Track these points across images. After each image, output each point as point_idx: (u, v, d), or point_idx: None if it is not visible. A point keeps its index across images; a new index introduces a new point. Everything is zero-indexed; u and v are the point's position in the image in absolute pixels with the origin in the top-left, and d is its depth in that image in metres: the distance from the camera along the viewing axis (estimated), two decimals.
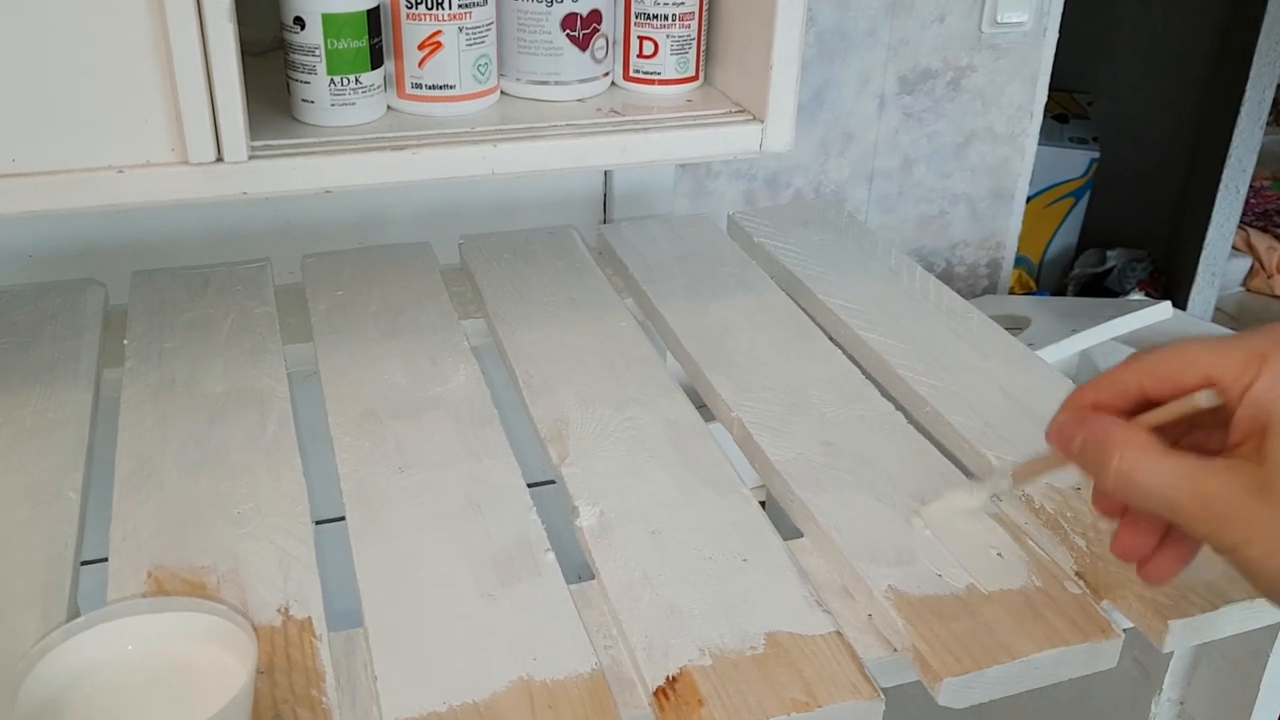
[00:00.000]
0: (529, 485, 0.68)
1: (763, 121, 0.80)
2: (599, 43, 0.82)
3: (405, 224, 1.18)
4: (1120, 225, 2.01)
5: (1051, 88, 2.07)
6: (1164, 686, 0.69)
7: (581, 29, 0.80)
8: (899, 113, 1.50)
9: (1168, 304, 1.37)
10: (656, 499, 0.66)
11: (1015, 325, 1.57)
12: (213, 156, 0.68)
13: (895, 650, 0.57)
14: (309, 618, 0.57)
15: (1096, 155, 1.95)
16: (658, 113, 0.81)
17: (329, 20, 0.72)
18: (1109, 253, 2.00)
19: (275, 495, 0.66)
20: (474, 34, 0.76)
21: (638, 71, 0.84)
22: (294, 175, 0.71)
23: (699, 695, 0.53)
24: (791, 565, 0.61)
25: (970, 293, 1.68)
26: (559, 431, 0.72)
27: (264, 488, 0.66)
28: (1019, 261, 2.00)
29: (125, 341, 0.80)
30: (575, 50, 0.81)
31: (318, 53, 0.73)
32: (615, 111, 0.81)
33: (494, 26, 0.78)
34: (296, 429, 0.72)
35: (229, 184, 0.70)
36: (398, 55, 0.77)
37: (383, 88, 0.77)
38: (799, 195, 1.48)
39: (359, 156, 0.72)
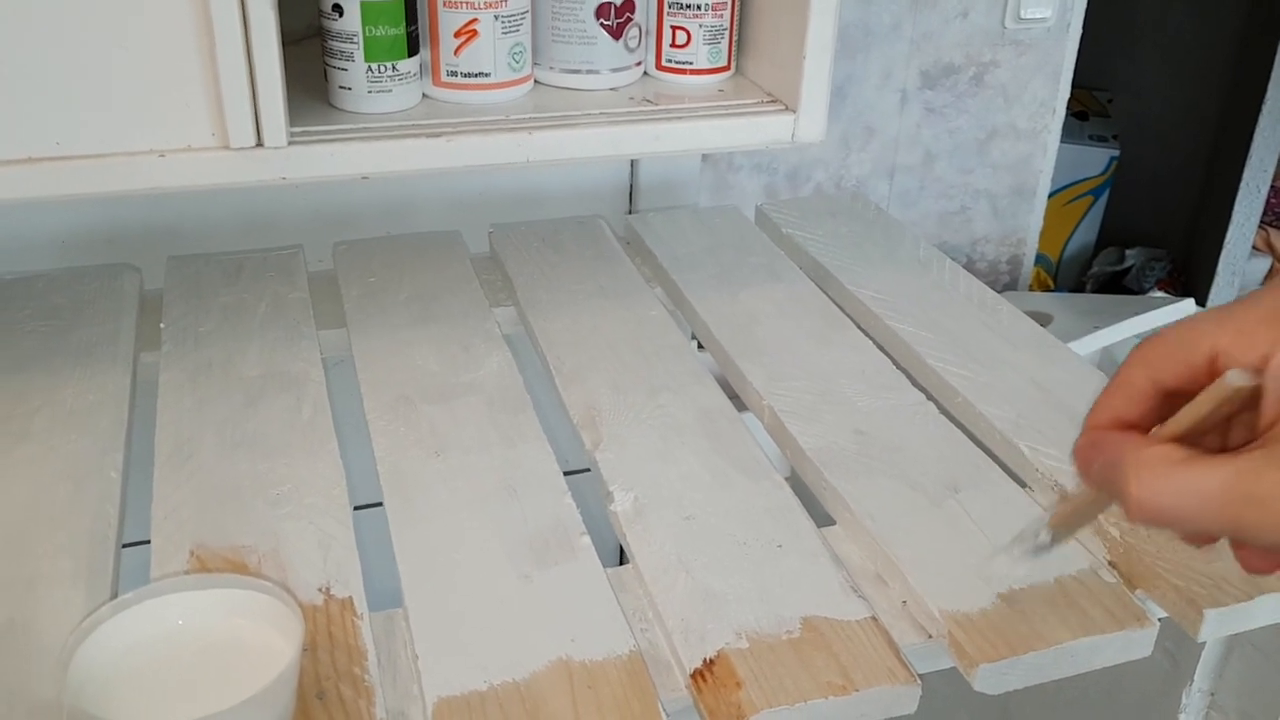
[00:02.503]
0: (569, 474, 0.68)
1: (795, 111, 0.80)
2: (632, 32, 0.82)
3: (433, 212, 1.18)
4: (1139, 224, 2.01)
5: (1072, 85, 2.06)
6: (1195, 678, 0.70)
7: (615, 18, 0.80)
8: (921, 108, 1.50)
9: (1190, 301, 1.37)
10: (689, 484, 0.67)
11: (1037, 322, 1.57)
12: (253, 141, 0.69)
13: (930, 636, 0.58)
14: (350, 597, 0.58)
15: (1116, 153, 1.94)
16: (690, 102, 0.82)
17: (367, 8, 0.73)
18: (1128, 251, 1.99)
19: (313, 477, 0.66)
20: (509, 22, 0.77)
21: (670, 61, 0.84)
22: (332, 161, 0.72)
23: (736, 678, 0.53)
24: (825, 551, 0.62)
25: (991, 289, 1.67)
26: (591, 418, 0.73)
27: (302, 470, 0.67)
28: (1038, 259, 2.00)
29: (161, 325, 0.81)
30: (609, 39, 0.81)
31: (355, 40, 0.74)
32: (648, 100, 0.81)
33: (529, 15, 0.78)
34: (332, 413, 0.73)
35: (269, 169, 0.70)
36: (434, 43, 0.77)
37: (419, 75, 0.77)
38: (820, 189, 1.48)
39: (396, 143, 0.73)
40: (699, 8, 0.82)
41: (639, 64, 0.85)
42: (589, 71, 0.82)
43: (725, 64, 0.85)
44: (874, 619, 0.57)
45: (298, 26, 0.83)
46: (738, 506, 0.65)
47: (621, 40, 0.82)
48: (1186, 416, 0.42)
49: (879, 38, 1.43)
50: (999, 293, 1.67)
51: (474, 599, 0.58)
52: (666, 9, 0.83)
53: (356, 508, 0.66)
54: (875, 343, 0.82)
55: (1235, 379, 0.40)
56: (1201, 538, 0.44)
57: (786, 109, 0.81)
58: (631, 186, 1.24)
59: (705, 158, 1.47)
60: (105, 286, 0.86)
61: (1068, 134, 1.95)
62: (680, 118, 0.79)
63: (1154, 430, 0.43)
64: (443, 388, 0.75)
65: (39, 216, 1.02)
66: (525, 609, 0.57)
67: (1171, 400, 0.43)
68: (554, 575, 0.60)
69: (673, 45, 0.84)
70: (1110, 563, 0.62)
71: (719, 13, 0.83)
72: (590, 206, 1.23)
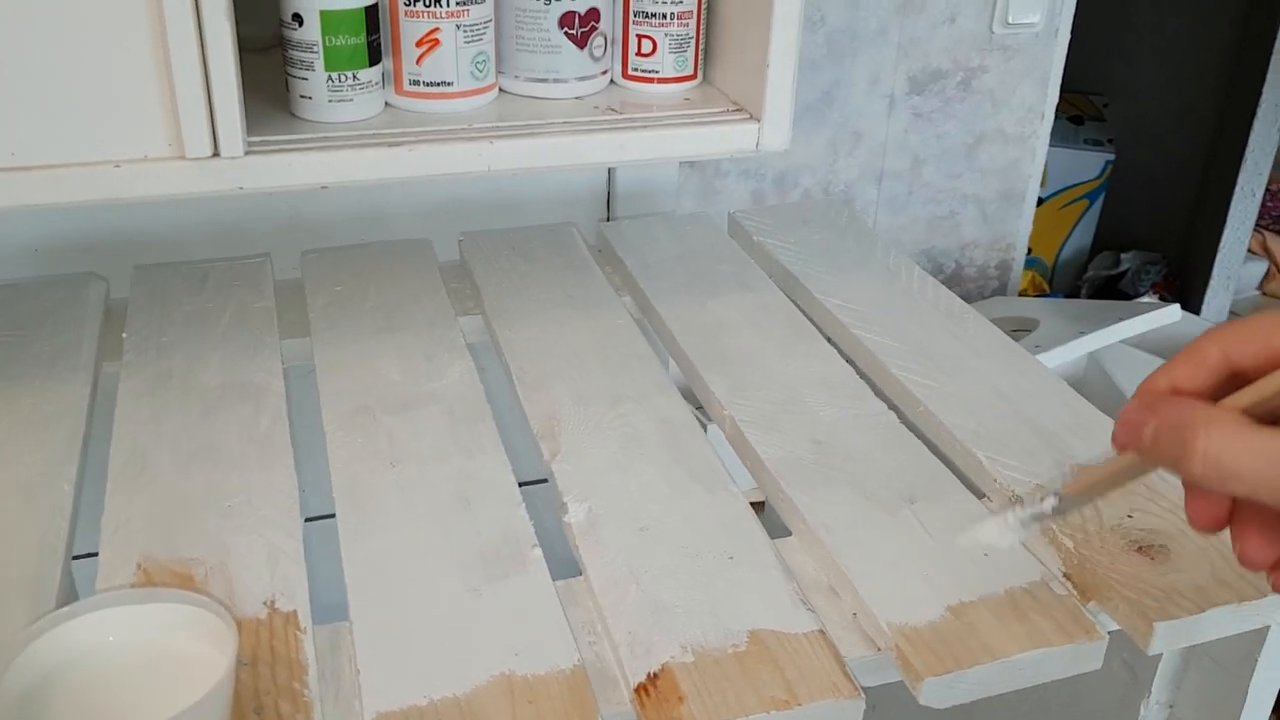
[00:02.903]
0: (523, 484, 0.68)
1: (759, 121, 0.80)
2: (597, 41, 0.82)
3: (409, 220, 1.18)
4: (1135, 228, 2.00)
5: (1067, 89, 2.05)
6: (1153, 689, 0.69)
7: (579, 27, 0.80)
8: (909, 113, 1.50)
9: (1176, 307, 1.36)
10: (645, 496, 0.66)
11: (1023, 327, 1.56)
12: (209, 152, 0.69)
13: (879, 649, 0.57)
14: (294, 611, 0.57)
15: (1112, 157, 1.94)
16: (655, 111, 0.81)
17: (327, 17, 0.73)
18: (1123, 255, 1.99)
19: (267, 489, 0.66)
20: (472, 31, 0.77)
21: (636, 70, 0.84)
22: (290, 170, 0.72)
23: (679, 692, 0.53)
24: (777, 563, 0.62)
25: (979, 294, 1.67)
26: (551, 428, 0.73)
27: (256, 481, 0.67)
28: (1033, 263, 2.00)
29: (124, 335, 0.81)
30: (573, 48, 0.81)
31: (315, 49, 0.74)
32: (613, 109, 0.81)
33: (492, 24, 0.78)
34: (293, 424, 0.73)
35: (225, 179, 0.70)
36: (396, 52, 0.77)
37: (381, 84, 0.77)
38: (807, 194, 1.48)
39: (355, 152, 0.73)
40: (664, 17, 0.82)
41: (605, 73, 0.84)
42: (554, 80, 0.82)
43: (692, 73, 0.85)
44: (821, 632, 0.57)
45: (263, 35, 0.83)
46: (693, 518, 0.65)
47: (586, 49, 0.81)
48: (1255, 392, 0.41)
49: (866, 43, 1.43)
50: (988, 298, 1.68)
51: (421, 612, 0.58)
52: (632, 18, 0.83)
53: (314, 519, 0.66)
54: (841, 352, 0.82)
55: None
56: (1244, 508, 0.44)
57: (751, 118, 0.80)
58: (609, 193, 1.24)
59: (692, 164, 1.47)
60: (70, 296, 0.86)
61: (1063, 138, 1.95)
62: (644, 126, 0.78)
63: (1227, 400, 0.42)
64: (403, 398, 0.75)
65: (10, 225, 1.02)
66: (471, 622, 0.57)
67: (1236, 381, 0.43)
68: (503, 588, 0.59)
69: (638, 54, 0.84)
70: (1065, 574, 0.62)
71: (684, 22, 0.83)
72: (568, 213, 1.23)
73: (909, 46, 1.46)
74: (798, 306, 0.88)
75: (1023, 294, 1.89)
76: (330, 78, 0.74)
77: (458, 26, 0.76)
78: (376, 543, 0.62)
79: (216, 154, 0.69)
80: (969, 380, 0.78)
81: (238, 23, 0.84)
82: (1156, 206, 2.00)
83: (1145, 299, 1.89)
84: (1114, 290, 1.97)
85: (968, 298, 1.66)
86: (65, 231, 1.05)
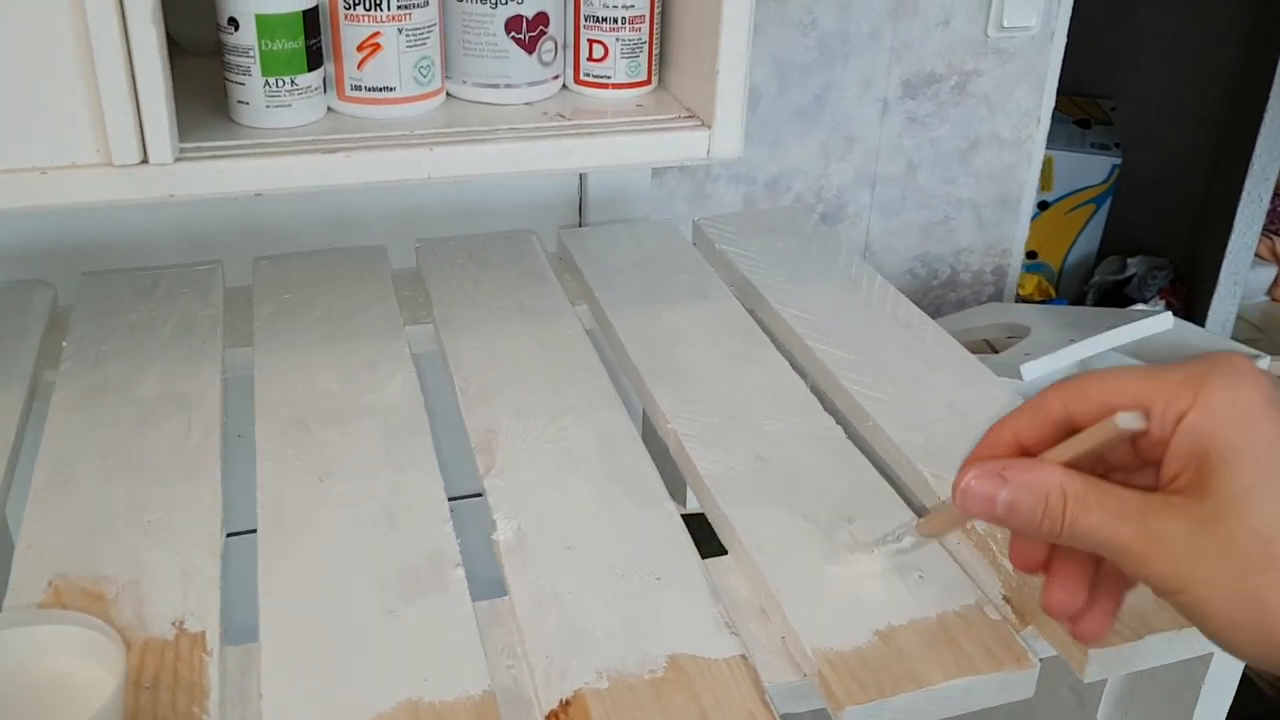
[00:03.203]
0: (464, 497, 0.67)
1: (710, 127, 0.78)
2: (546, 45, 0.80)
3: (377, 226, 1.17)
4: (1142, 232, 1.98)
5: (1075, 93, 2.03)
6: (1099, 715, 0.67)
7: (527, 31, 0.79)
8: (902, 117, 1.48)
9: (1169, 314, 1.34)
10: (577, 513, 0.65)
11: (1015, 334, 1.54)
12: (138, 158, 0.68)
13: (805, 675, 0.56)
14: (203, 632, 0.56)
15: (1119, 161, 1.91)
16: (606, 117, 0.80)
17: (263, 21, 0.71)
18: (1130, 260, 1.97)
19: (190, 504, 0.65)
20: (414, 36, 0.75)
21: (588, 75, 0.83)
22: (222, 178, 0.70)
23: None
24: (706, 585, 0.60)
25: (975, 300, 1.65)
26: (489, 441, 0.71)
27: (179, 496, 0.65)
28: (1038, 268, 1.97)
29: (64, 344, 0.80)
30: (521, 53, 0.79)
31: (252, 54, 0.72)
32: (561, 115, 0.79)
33: (437, 28, 0.77)
34: (225, 436, 0.71)
35: (155, 186, 0.69)
36: (337, 57, 0.75)
37: (322, 89, 0.76)
38: (799, 199, 1.46)
39: (290, 159, 0.71)
40: (616, 21, 0.81)
41: (556, 78, 0.83)
42: (506, 86, 0.80)
43: (645, 78, 0.83)
44: (743, 658, 0.55)
45: (210, 38, 0.82)
46: (623, 537, 0.63)
47: (535, 54, 0.80)
48: (1073, 448, 0.45)
49: (858, 46, 1.41)
50: (983, 303, 1.65)
51: (333, 633, 0.56)
52: (583, 23, 0.81)
53: (246, 533, 0.64)
54: (794, 364, 0.80)
55: (1125, 421, 0.44)
56: (1070, 567, 0.48)
57: (703, 124, 0.79)
58: (581, 199, 1.23)
59: (681, 167, 1.45)
60: (15, 303, 0.85)
61: (1069, 142, 1.93)
62: (590, 133, 0.77)
63: (1045, 454, 0.46)
64: (340, 410, 0.73)
65: None
66: (384, 645, 0.55)
67: (1068, 436, 0.46)
68: (419, 609, 0.58)
69: (590, 59, 0.82)
70: (1005, 597, 0.60)
71: (636, 26, 0.81)
72: (540, 219, 1.21)
73: (902, 50, 1.44)
74: (755, 316, 0.86)
75: (1028, 299, 1.87)
76: (267, 83, 0.73)
77: (399, 30, 0.74)
78: (295, 560, 0.61)
79: (145, 161, 0.68)
80: (921, 394, 0.76)
81: (185, 26, 0.84)
82: (1163, 211, 1.98)
83: (1149, 304, 1.86)
84: (1120, 295, 1.95)
85: (963, 304, 1.64)
86: (22, 237, 1.04)
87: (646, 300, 0.88)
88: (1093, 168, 1.93)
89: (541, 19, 0.79)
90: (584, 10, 0.81)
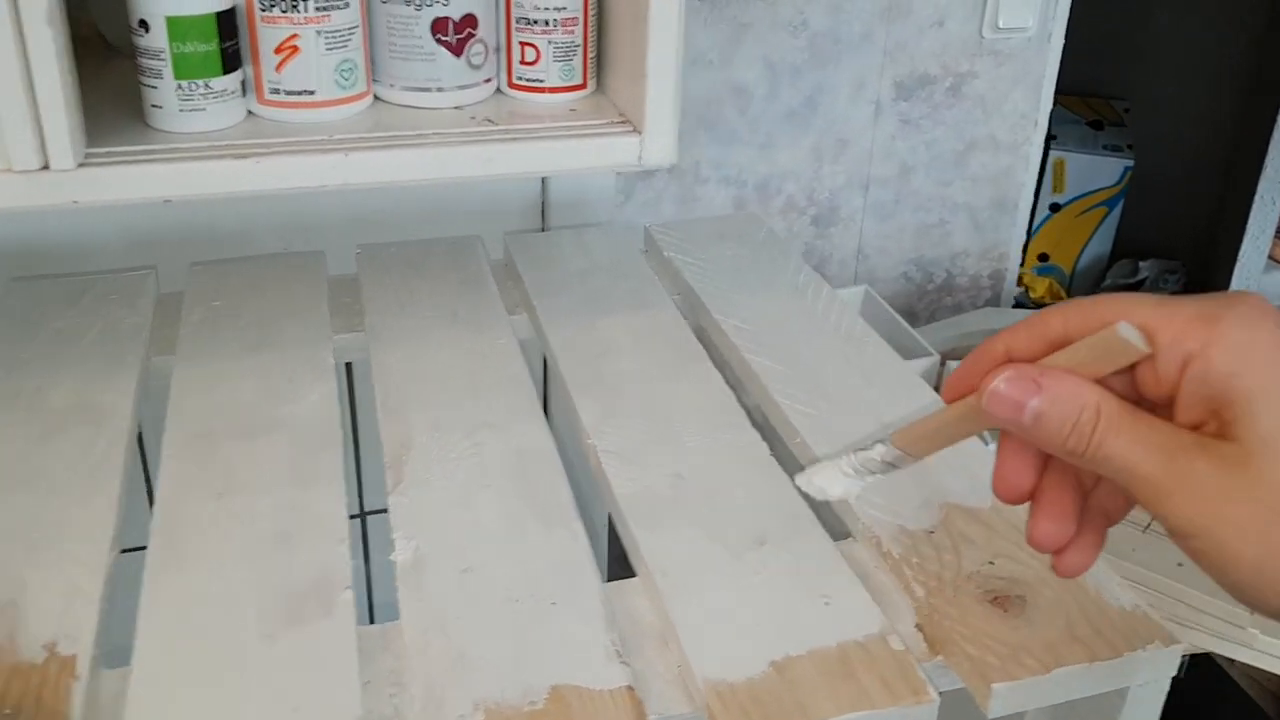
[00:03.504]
0: (382, 512, 0.64)
1: (641, 133, 0.76)
2: (475, 48, 0.78)
3: (337, 230, 1.15)
4: (1154, 235, 1.95)
5: (1088, 94, 1.99)
6: None
7: (454, 34, 0.77)
8: (896, 119, 1.46)
9: None
10: (479, 533, 0.63)
11: None
12: (38, 164, 0.66)
13: (696, 707, 0.53)
14: (74, 655, 0.54)
15: (1131, 163, 1.88)
16: (538, 122, 0.78)
17: (174, 23, 0.69)
18: (1142, 263, 1.94)
19: (82, 520, 0.63)
20: (334, 38, 0.73)
21: (521, 79, 0.80)
22: (129, 184, 0.68)
23: None
24: (602, 611, 0.58)
25: (972, 304, 1.62)
26: (400, 457, 0.69)
27: (73, 512, 0.63)
28: (1050, 271, 1.94)
29: None
30: (449, 56, 0.77)
31: (163, 56, 0.70)
32: (489, 120, 0.77)
33: (359, 30, 0.75)
34: (134, 449, 0.70)
35: (59, 192, 0.67)
36: (255, 59, 0.74)
37: (240, 93, 0.74)
38: (791, 202, 1.44)
39: (199, 165, 0.69)
40: (548, 24, 0.78)
41: (489, 81, 0.81)
42: (436, 89, 0.78)
43: (580, 82, 0.81)
44: (629, 689, 0.53)
45: None
46: (524, 559, 0.61)
47: (464, 57, 0.78)
48: (1072, 356, 0.43)
49: (850, 47, 1.39)
50: (980, 308, 1.62)
51: (206, 659, 0.54)
52: (514, 25, 0.79)
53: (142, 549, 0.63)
54: (727, 376, 0.78)
55: (1127, 332, 0.41)
56: (1057, 499, 0.46)
57: (635, 130, 0.76)
58: (544, 203, 1.21)
59: (670, 169, 1.43)
60: None
61: (1082, 144, 1.90)
62: (514, 139, 0.75)
63: (1043, 361, 0.44)
64: (252, 422, 0.71)
65: None
66: (256, 673, 0.53)
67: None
68: (300, 635, 0.56)
69: (522, 62, 0.80)
70: (917, 625, 0.58)
71: (569, 28, 0.79)
72: (502, 223, 1.19)
73: (895, 51, 1.42)
74: (694, 327, 0.84)
75: (1040, 302, 1.84)
76: (180, 86, 0.71)
77: (318, 33, 0.73)
78: (180, 580, 0.59)
79: (46, 166, 0.66)
80: (854, 409, 0.73)
81: (116, 27, 0.83)
82: (1176, 214, 1.95)
83: None
84: None
85: (959, 308, 1.62)
86: None
87: (583, 310, 0.85)
88: (1105, 170, 1.90)
89: (469, 21, 0.77)
90: (515, 12, 0.78)
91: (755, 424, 0.73)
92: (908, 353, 1.27)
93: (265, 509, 0.64)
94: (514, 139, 0.75)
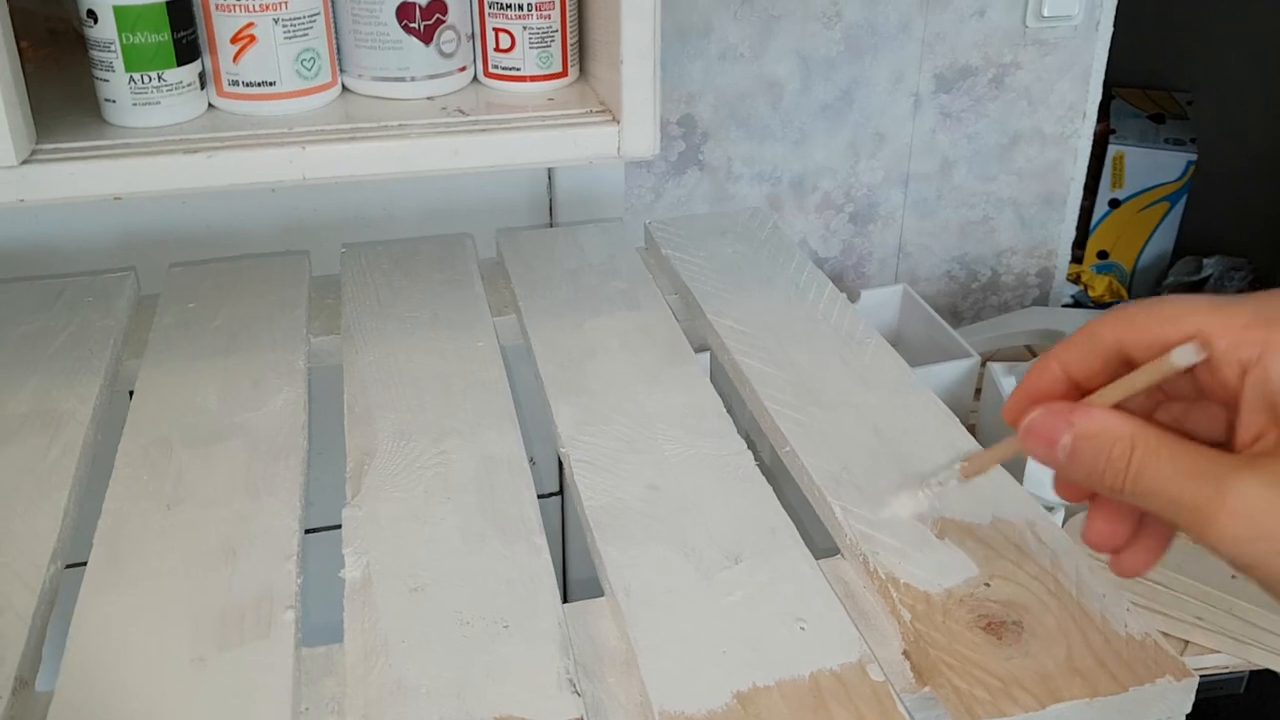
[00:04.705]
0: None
1: (619, 122, 0.71)
2: (446, 35, 0.74)
3: (333, 230, 1.12)
4: (1219, 231, 1.88)
5: (1150, 86, 1.92)
6: None
7: (422, 20, 0.73)
8: (936, 112, 1.41)
9: None
10: (434, 549, 0.59)
11: (1046, 340, 1.45)
12: None
13: None
14: None
15: (1194, 157, 1.81)
16: (512, 112, 0.73)
17: (122, 13, 0.66)
18: (1206, 260, 1.87)
19: (22, 532, 0.60)
20: (293, 26, 0.70)
21: (496, 67, 0.76)
22: (74, 181, 0.65)
23: None
24: (558, 634, 0.53)
25: (1018, 303, 1.57)
26: (361, 466, 0.65)
27: (16, 523, 0.60)
28: (1110, 269, 1.88)
29: None
30: (418, 44, 0.73)
31: (114, 48, 0.67)
32: (461, 111, 0.73)
33: (320, 18, 0.71)
34: (91, 456, 0.66)
35: (2, 190, 0.64)
36: (212, 50, 0.70)
37: (197, 85, 0.71)
38: (827, 198, 1.40)
39: (148, 160, 0.66)
40: (522, 9, 0.74)
41: (464, 70, 0.77)
42: (410, 79, 0.75)
43: (560, 70, 0.77)
44: None
45: None
46: (479, 577, 0.57)
47: (434, 45, 0.74)
48: (1123, 388, 0.41)
49: (887, 39, 1.34)
50: (1027, 307, 1.56)
51: (131, 683, 0.51)
52: (488, 10, 0.75)
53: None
54: (716, 380, 0.73)
55: (1181, 358, 0.39)
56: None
57: (613, 120, 0.72)
58: (550, 199, 1.17)
59: (702, 166, 1.38)
60: None
61: (1142, 137, 1.83)
62: (484, 130, 0.71)
63: (1093, 396, 0.42)
64: (212, 429, 0.68)
65: None
66: (180, 699, 0.50)
67: (1125, 369, 0.42)
68: (233, 657, 0.52)
69: (497, 50, 0.76)
70: (904, 652, 0.53)
71: (545, 14, 0.75)
72: (508, 219, 1.15)
73: (934, 42, 1.37)
74: (686, 328, 0.79)
75: (1099, 300, 1.78)
76: (132, 79, 0.68)
77: (275, 21, 0.69)
78: (116, 597, 0.55)
79: None
80: (847, 416, 0.68)
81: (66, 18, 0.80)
82: (1241, 209, 1.87)
83: None
84: None
85: (1005, 307, 1.56)
86: None
87: (570, 310, 0.81)
88: (1167, 164, 1.83)
89: (438, 7, 0.73)
90: None
91: (743, 431, 0.68)
92: (947, 354, 1.22)
93: (214, 521, 0.60)
94: (483, 130, 0.71)
